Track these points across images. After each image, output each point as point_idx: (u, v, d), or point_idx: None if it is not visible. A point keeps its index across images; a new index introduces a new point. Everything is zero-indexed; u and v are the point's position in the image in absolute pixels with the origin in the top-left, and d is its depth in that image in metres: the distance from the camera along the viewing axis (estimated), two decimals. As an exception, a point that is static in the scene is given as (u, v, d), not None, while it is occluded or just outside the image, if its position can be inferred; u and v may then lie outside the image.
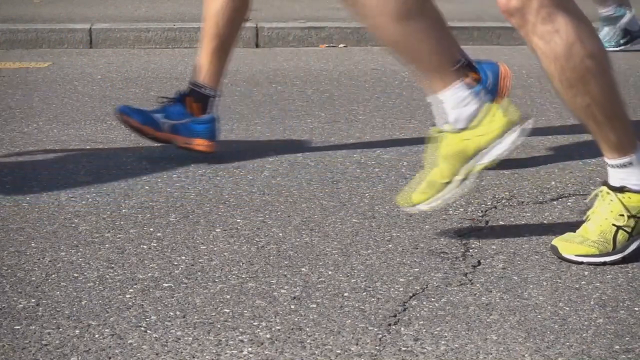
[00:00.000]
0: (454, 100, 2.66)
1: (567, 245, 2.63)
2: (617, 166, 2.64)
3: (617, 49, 6.61)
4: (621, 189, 2.64)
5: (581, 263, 2.60)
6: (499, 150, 2.68)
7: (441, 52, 2.67)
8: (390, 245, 2.76)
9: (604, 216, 2.64)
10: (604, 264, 2.61)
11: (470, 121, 2.67)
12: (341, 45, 6.84)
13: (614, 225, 2.63)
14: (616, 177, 2.65)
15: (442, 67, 2.66)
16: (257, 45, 6.75)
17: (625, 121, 2.64)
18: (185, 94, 3.66)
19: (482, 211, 3.08)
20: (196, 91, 3.66)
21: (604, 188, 2.67)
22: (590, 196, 2.73)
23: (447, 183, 2.70)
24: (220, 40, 3.64)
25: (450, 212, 3.06)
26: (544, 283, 2.51)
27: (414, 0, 2.62)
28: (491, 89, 3.56)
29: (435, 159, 2.72)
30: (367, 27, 2.73)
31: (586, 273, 2.57)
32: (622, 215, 2.63)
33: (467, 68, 3.56)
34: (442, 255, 2.69)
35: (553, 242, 2.66)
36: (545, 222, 2.97)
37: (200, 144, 3.60)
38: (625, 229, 2.63)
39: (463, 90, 2.66)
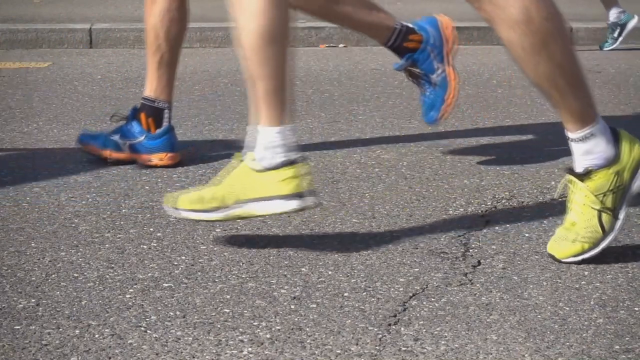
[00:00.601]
0: (268, 140, 2.64)
1: (562, 248, 2.62)
2: (581, 139, 2.60)
3: (618, 43, 6.62)
4: (587, 173, 2.61)
5: (582, 261, 2.60)
6: (265, 210, 2.64)
7: (281, 86, 2.66)
8: (390, 245, 2.76)
9: (581, 203, 2.62)
10: (602, 250, 2.60)
11: (272, 168, 2.63)
12: (341, 45, 6.84)
13: (593, 209, 2.61)
14: (580, 153, 2.61)
15: (273, 101, 2.65)
16: (257, 45, 6.75)
17: (587, 90, 2.62)
18: (138, 109, 3.63)
19: (482, 211, 3.08)
20: (148, 105, 3.63)
21: (571, 177, 2.64)
22: (561, 186, 2.71)
23: (214, 208, 2.68)
24: (162, 53, 3.61)
25: (450, 212, 3.07)
26: (544, 283, 2.51)
27: (285, 25, 2.63)
28: (438, 43, 3.54)
29: (222, 180, 2.70)
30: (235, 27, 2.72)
31: (586, 273, 2.57)
32: (597, 196, 2.61)
33: (406, 33, 3.55)
34: (442, 255, 2.69)
35: (548, 250, 2.64)
36: (545, 222, 2.97)
37: (161, 158, 3.57)
38: (606, 208, 2.62)
39: (280, 137, 2.63)
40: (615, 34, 6.63)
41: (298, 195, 2.63)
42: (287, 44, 2.66)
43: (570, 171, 2.64)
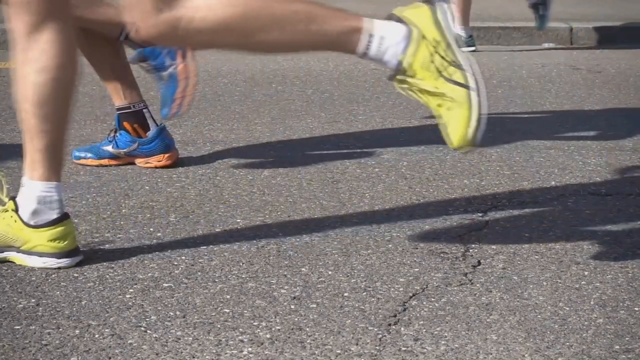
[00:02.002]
0: (43, 195, 2.60)
1: (455, 132, 2.38)
2: (368, 47, 2.38)
3: (548, 17, 6.54)
4: (400, 63, 2.38)
5: (484, 120, 2.38)
6: (37, 264, 2.58)
7: (63, 139, 2.61)
8: (390, 245, 2.76)
9: (430, 88, 2.38)
10: (479, 100, 2.36)
11: (44, 225, 2.59)
12: (341, 45, 6.83)
13: (436, 80, 2.37)
14: (380, 56, 2.39)
15: (54, 155, 2.59)
16: (257, 45, 6.75)
17: (328, 8, 2.38)
18: (120, 121, 3.60)
19: (482, 211, 3.08)
20: (126, 113, 3.60)
21: (397, 77, 2.41)
22: (403, 92, 2.44)
23: None
24: (111, 61, 3.57)
25: (450, 212, 3.07)
26: (544, 283, 2.51)
27: (74, 78, 2.64)
28: (170, 51, 3.48)
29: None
30: None
31: (586, 273, 2.57)
32: (429, 70, 2.38)
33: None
34: (442, 255, 2.69)
35: (455, 145, 2.38)
36: (545, 222, 2.97)
37: (159, 160, 3.56)
38: (446, 69, 2.37)
39: (57, 192, 2.59)
40: (540, 11, 6.58)
41: (68, 254, 2.60)
42: (73, 96, 2.64)
43: (390, 77, 2.43)
